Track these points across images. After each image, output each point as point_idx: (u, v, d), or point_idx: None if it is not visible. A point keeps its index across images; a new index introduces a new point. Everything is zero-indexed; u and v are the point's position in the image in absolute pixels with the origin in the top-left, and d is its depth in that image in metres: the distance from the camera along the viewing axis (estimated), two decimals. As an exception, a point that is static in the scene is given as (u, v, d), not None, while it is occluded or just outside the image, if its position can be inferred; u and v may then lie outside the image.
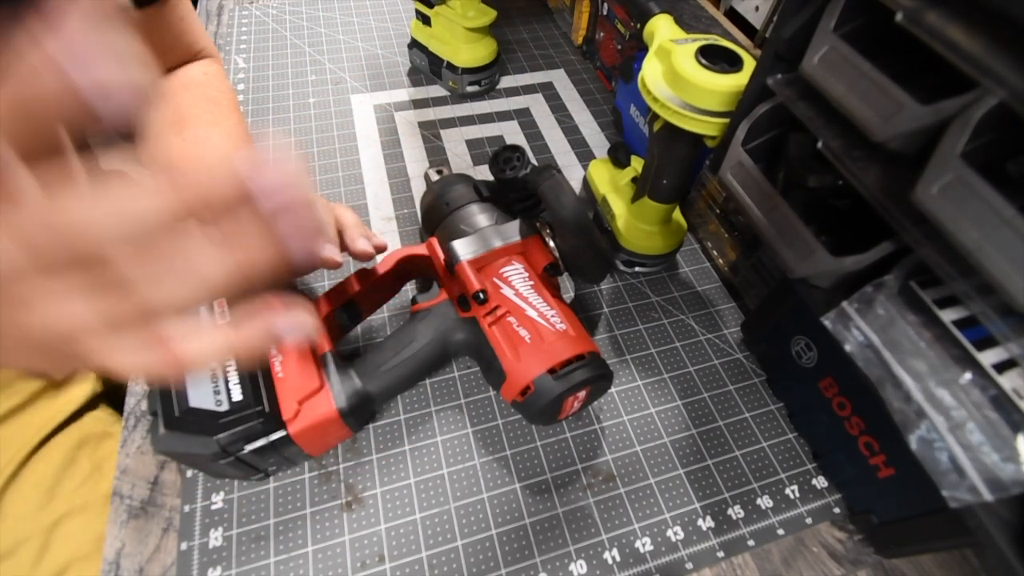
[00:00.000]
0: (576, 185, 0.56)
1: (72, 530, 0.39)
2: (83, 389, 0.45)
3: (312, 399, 0.32)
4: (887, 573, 0.36)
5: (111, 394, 0.49)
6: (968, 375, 0.24)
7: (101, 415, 0.46)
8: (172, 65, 0.47)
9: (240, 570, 0.33)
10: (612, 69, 0.65)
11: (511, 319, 0.35)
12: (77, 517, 0.40)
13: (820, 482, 0.39)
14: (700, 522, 0.36)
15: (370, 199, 0.53)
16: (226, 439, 0.29)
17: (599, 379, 0.34)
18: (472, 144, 0.60)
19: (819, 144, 0.27)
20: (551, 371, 0.33)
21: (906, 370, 0.26)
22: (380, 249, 0.39)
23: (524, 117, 0.63)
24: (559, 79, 0.69)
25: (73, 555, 0.38)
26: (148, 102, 0.17)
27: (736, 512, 0.37)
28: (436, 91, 0.65)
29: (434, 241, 0.40)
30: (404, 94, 0.65)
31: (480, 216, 0.40)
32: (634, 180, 0.48)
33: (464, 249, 0.38)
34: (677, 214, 0.47)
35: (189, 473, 0.36)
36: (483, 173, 0.56)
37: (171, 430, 0.29)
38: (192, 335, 0.18)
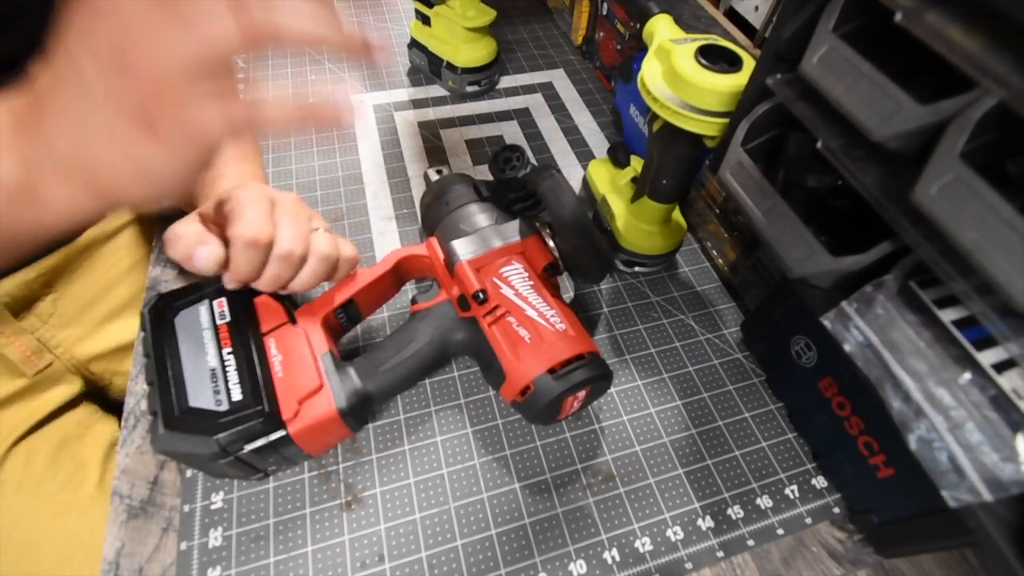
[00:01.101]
0: (576, 185, 0.56)
1: (58, 532, 0.39)
2: (61, 391, 0.45)
3: (312, 399, 0.32)
4: (887, 573, 0.36)
5: (92, 394, 0.49)
6: (967, 375, 0.24)
7: (81, 415, 0.46)
8: None
9: (240, 570, 0.33)
10: (612, 69, 0.65)
11: (511, 319, 0.35)
12: (62, 521, 0.40)
13: (820, 482, 0.39)
14: (700, 522, 0.36)
15: (370, 199, 0.53)
16: (226, 439, 0.29)
17: (599, 379, 0.34)
18: (472, 144, 0.60)
19: (818, 144, 0.27)
20: (551, 371, 0.33)
21: (905, 370, 0.26)
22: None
23: (524, 117, 0.63)
24: (559, 79, 0.69)
25: (60, 557, 0.38)
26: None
27: (736, 512, 0.37)
28: (436, 91, 0.65)
29: (434, 241, 0.40)
30: (404, 94, 0.65)
31: (480, 216, 0.40)
32: (634, 180, 0.48)
33: (464, 249, 0.38)
34: (677, 214, 0.47)
35: (189, 473, 0.36)
36: (483, 173, 0.56)
37: (171, 430, 0.29)
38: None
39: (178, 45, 0.22)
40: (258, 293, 0.34)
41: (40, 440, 0.42)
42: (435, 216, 0.42)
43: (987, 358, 0.24)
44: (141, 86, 0.22)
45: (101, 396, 0.50)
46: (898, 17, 0.22)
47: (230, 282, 0.33)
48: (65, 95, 0.23)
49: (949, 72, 0.21)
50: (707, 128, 0.35)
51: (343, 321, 0.38)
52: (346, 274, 0.37)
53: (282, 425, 0.31)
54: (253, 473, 0.34)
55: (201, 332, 0.33)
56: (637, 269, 0.48)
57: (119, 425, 0.40)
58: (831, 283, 0.31)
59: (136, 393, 0.40)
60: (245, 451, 0.30)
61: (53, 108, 0.23)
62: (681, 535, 0.36)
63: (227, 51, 0.22)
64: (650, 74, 0.36)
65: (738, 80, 0.33)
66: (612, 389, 0.42)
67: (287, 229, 0.33)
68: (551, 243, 0.39)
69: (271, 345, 0.33)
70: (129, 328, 0.49)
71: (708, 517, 0.37)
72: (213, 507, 0.35)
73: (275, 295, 0.35)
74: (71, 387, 0.46)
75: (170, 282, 0.46)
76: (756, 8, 0.68)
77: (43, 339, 0.45)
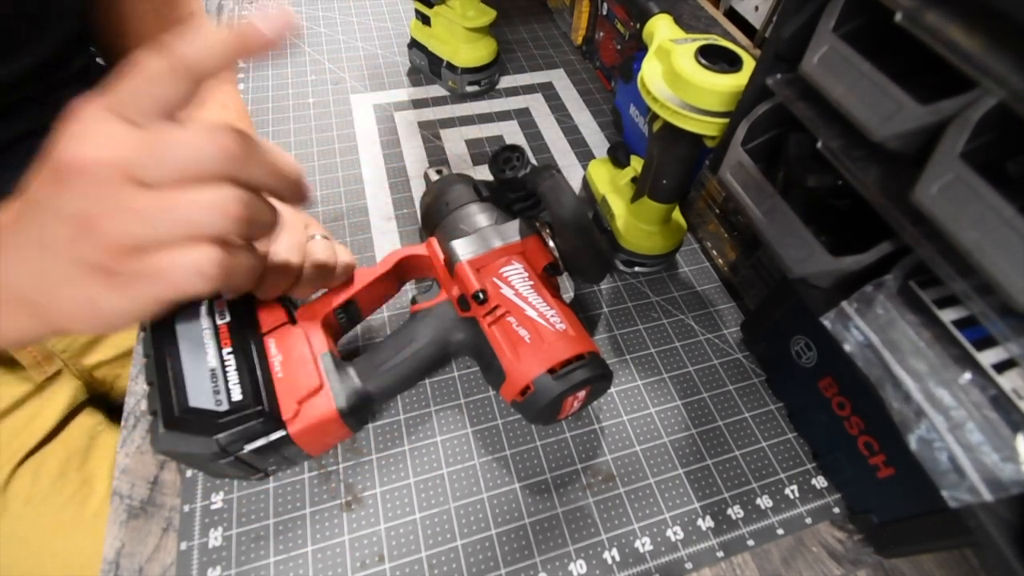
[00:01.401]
0: (576, 185, 0.56)
1: (62, 546, 0.39)
2: (65, 395, 0.45)
3: (312, 399, 0.32)
4: (887, 573, 0.36)
5: (96, 399, 0.49)
6: (968, 375, 0.24)
7: (87, 423, 0.46)
8: (166, 29, 0.46)
9: (240, 570, 0.33)
10: (612, 69, 0.65)
11: (511, 319, 0.35)
12: (68, 536, 0.40)
13: (820, 482, 0.39)
14: (700, 522, 0.36)
15: (370, 199, 0.53)
16: (226, 439, 0.29)
17: (599, 379, 0.34)
18: (472, 144, 0.60)
19: (819, 144, 0.27)
20: (551, 371, 0.33)
21: (906, 370, 0.26)
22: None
23: (524, 117, 0.63)
24: (559, 79, 0.69)
25: (64, 569, 0.39)
26: None
27: (736, 512, 0.37)
28: (436, 91, 0.65)
29: (434, 241, 0.40)
30: (404, 94, 0.65)
31: (480, 216, 0.40)
32: (634, 180, 0.48)
33: (464, 249, 0.38)
34: (677, 214, 0.47)
35: (189, 473, 0.36)
36: (483, 173, 0.56)
37: (171, 430, 0.29)
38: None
39: (152, 223, 0.21)
40: None
41: (47, 455, 0.43)
42: (435, 216, 0.42)
43: (987, 358, 0.24)
44: (104, 249, 0.21)
45: (104, 401, 0.50)
46: (898, 17, 0.22)
47: (227, 293, 0.32)
48: (24, 239, 0.22)
49: (949, 72, 0.21)
50: (707, 128, 0.35)
51: (343, 321, 0.38)
52: (343, 280, 0.37)
53: (282, 425, 0.31)
54: (253, 473, 0.34)
55: (201, 332, 0.33)
56: (637, 269, 0.48)
57: None
58: (831, 283, 0.31)
59: (136, 393, 0.40)
60: (245, 451, 0.30)
61: (10, 246, 0.23)
62: (681, 535, 0.36)
63: (207, 232, 0.21)
64: (650, 74, 0.36)
65: (738, 80, 0.33)
66: (612, 389, 0.42)
67: (283, 240, 0.32)
68: (551, 243, 0.39)
69: (271, 345, 0.33)
70: (132, 334, 0.49)
71: (708, 517, 0.37)
72: (213, 507, 0.35)
73: None
74: (75, 391, 0.46)
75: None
76: (756, 8, 0.68)
77: (51, 345, 0.45)
